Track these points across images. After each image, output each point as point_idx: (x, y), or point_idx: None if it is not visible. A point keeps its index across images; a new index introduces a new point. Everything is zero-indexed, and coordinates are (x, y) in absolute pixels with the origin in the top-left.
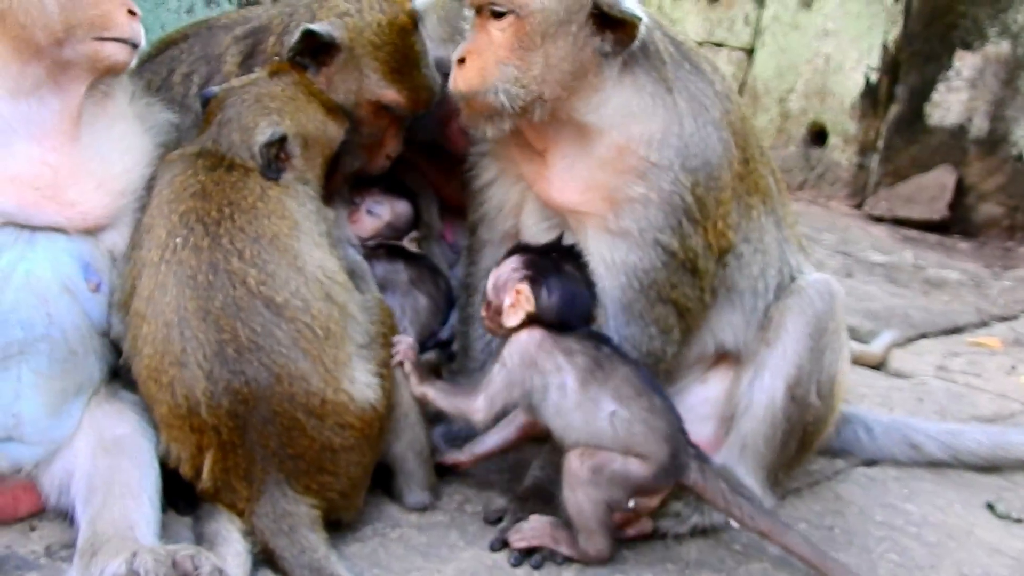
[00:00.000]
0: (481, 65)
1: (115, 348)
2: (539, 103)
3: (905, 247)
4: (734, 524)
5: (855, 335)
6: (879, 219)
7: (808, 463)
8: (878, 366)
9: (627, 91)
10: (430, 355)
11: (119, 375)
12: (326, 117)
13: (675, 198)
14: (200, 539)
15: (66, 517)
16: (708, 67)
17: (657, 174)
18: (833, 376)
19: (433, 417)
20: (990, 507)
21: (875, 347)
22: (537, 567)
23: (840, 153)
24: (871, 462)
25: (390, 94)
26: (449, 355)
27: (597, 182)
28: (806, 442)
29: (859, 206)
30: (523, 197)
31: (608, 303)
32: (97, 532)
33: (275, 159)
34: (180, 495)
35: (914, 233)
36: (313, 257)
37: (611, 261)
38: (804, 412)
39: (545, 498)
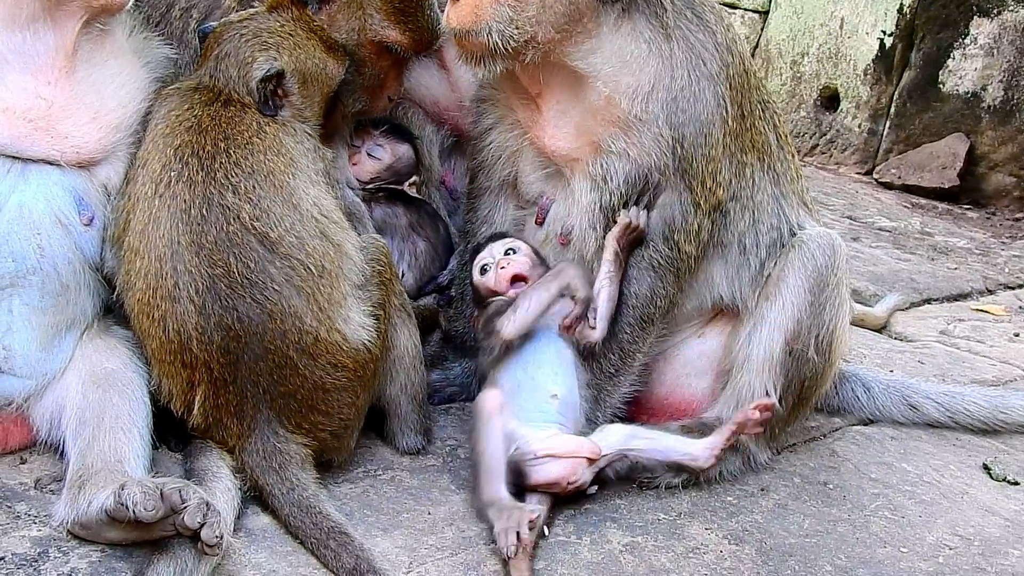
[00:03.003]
0: (475, 3)
1: (108, 283)
2: (532, 45)
3: (913, 214)
4: None
5: (859, 297)
6: (888, 186)
7: (805, 419)
8: (880, 329)
9: (622, 39)
10: (427, 300)
11: (112, 311)
12: (326, 55)
13: (653, 155)
14: (190, 475)
15: (56, 450)
16: (712, 16)
17: (639, 129)
18: (832, 331)
19: (429, 361)
20: (986, 469)
21: (878, 310)
22: None
23: (851, 118)
24: (869, 421)
25: (393, 34)
26: (447, 300)
27: (587, 130)
28: (803, 398)
29: (869, 172)
30: (520, 144)
31: (594, 253)
32: (86, 465)
33: (272, 95)
34: (171, 431)
35: (923, 200)
36: (309, 195)
37: (589, 208)
38: (802, 367)
39: None
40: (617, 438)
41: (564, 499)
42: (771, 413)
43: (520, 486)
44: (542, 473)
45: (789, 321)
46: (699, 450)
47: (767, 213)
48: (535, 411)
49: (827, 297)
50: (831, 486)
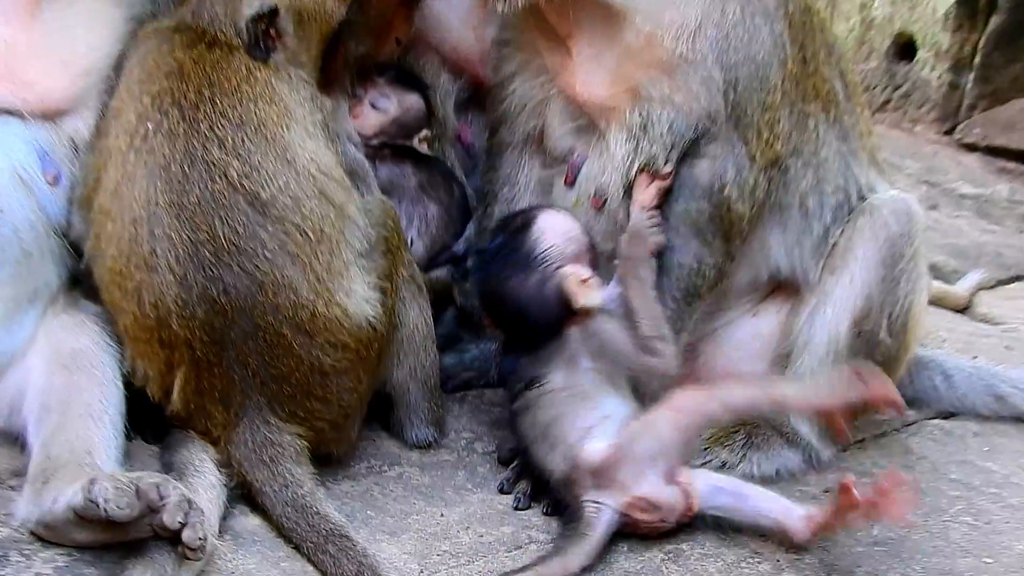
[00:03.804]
0: None
1: (75, 251)
2: None
3: (1000, 179)
4: None
5: (938, 274)
6: (971, 147)
7: (875, 412)
8: (962, 309)
9: None
10: (440, 273)
11: (80, 282)
12: None
13: (702, 101)
14: (169, 469)
15: (16, 441)
16: None
17: (685, 71)
18: (908, 310)
19: (442, 343)
20: None
21: (960, 288)
22: (549, 512)
23: (930, 70)
24: (948, 414)
25: None
26: (463, 272)
27: (624, 75)
28: None
29: (949, 132)
30: (548, 93)
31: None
32: (51, 457)
33: (264, 35)
34: (147, 420)
35: (1011, 164)
36: (306, 149)
37: (626, 163)
38: (872, 351)
39: None
40: (701, 489)
41: None
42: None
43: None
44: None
45: (858, 298)
46: (795, 520)
47: (833, 172)
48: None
49: (902, 271)
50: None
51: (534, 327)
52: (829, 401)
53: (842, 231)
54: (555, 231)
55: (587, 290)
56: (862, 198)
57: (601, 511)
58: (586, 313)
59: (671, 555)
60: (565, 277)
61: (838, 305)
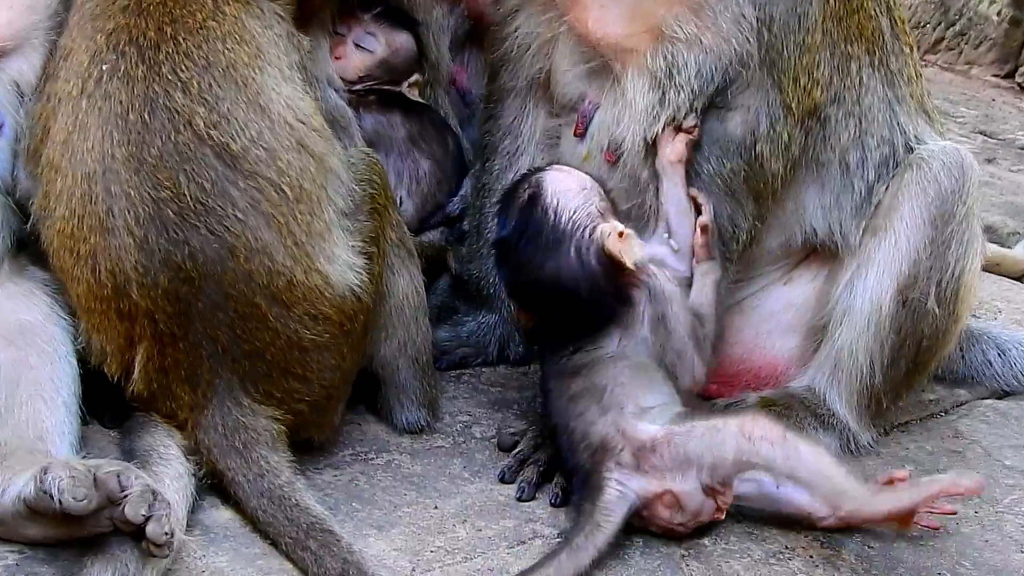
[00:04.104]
0: None
1: (21, 210)
2: None
3: None
4: None
5: (994, 236)
6: None
7: (921, 390)
8: (1021, 276)
9: None
10: (433, 236)
11: (26, 246)
12: None
13: (733, 42)
14: (130, 457)
15: None
16: None
17: (715, 7)
18: (959, 277)
19: (435, 314)
20: None
21: (1019, 252)
22: (557, 503)
23: (988, 4)
24: (1004, 393)
25: None
26: (458, 235)
27: (645, 11)
28: (920, 362)
29: (1011, 75)
30: (556, 31)
31: (652, 172)
32: None
33: None
34: (105, 402)
35: None
36: (281, 94)
37: (647, 113)
38: (919, 322)
39: None
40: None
41: None
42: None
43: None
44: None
45: (903, 263)
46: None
47: (877, 122)
48: None
49: (952, 232)
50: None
51: (591, 307)
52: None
53: (886, 188)
54: (570, 191)
55: (629, 244)
56: (909, 150)
57: (624, 494)
58: (639, 270)
59: (692, 551)
60: (604, 238)
61: (881, 271)
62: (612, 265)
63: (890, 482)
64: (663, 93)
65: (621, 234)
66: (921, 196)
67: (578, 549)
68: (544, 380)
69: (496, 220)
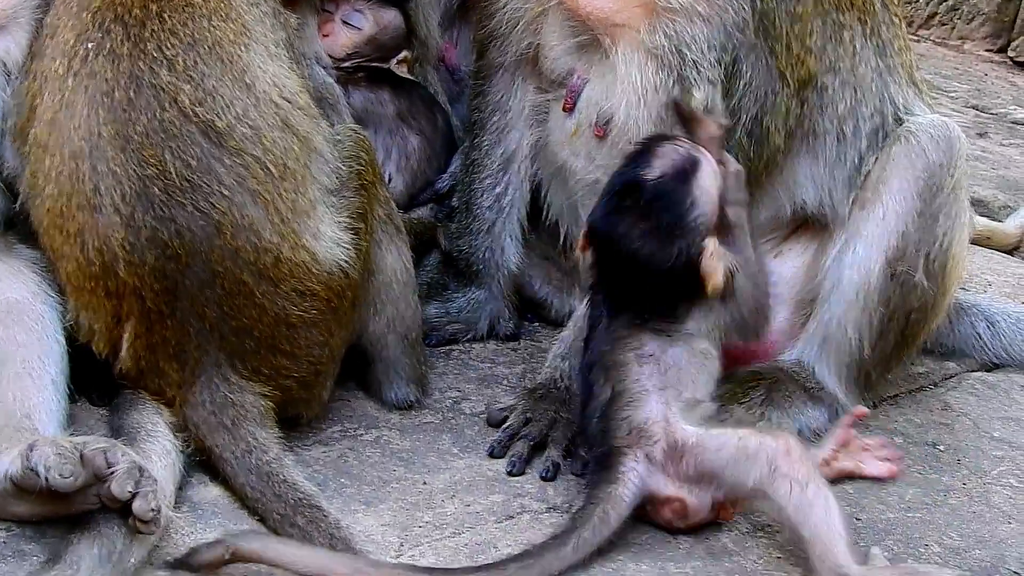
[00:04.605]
0: None
1: (9, 189)
2: None
3: None
4: None
5: (985, 209)
6: None
7: (911, 363)
8: (1012, 250)
9: None
10: (422, 212)
11: (15, 225)
12: None
13: (729, 11)
14: (118, 434)
15: None
16: None
17: None
18: (947, 250)
19: (425, 291)
20: None
21: (1010, 225)
22: (548, 477)
23: None
24: (993, 366)
25: None
26: (448, 212)
27: None
28: (909, 335)
29: (1003, 49)
30: (545, 6)
31: None
32: None
33: None
34: (93, 380)
35: None
36: (267, 72)
37: (643, 88)
38: (908, 295)
39: (564, 397)
40: None
41: None
42: None
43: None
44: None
45: (891, 235)
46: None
47: (870, 92)
48: None
49: (941, 205)
50: (942, 447)
51: (662, 291)
52: None
53: (876, 160)
54: (711, 193)
55: (719, 265)
56: (899, 121)
57: (640, 491)
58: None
59: None
60: (706, 252)
61: (870, 243)
62: (693, 278)
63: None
64: (657, 67)
65: (717, 253)
66: (909, 169)
67: (585, 543)
68: (597, 329)
69: (636, 159)
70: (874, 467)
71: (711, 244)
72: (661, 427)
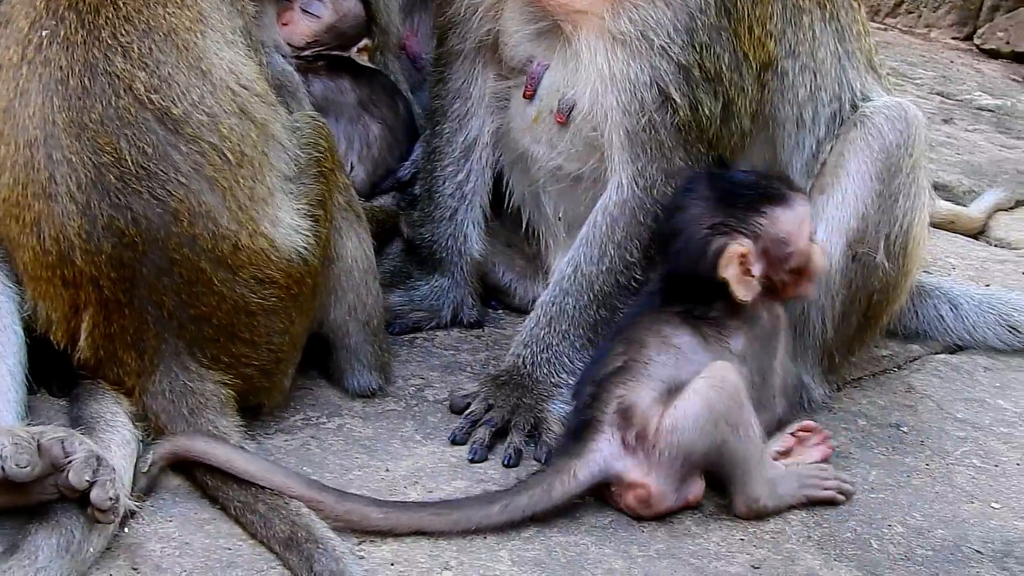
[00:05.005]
0: None
1: None
2: None
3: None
4: None
5: (950, 194)
6: (993, 53)
7: (874, 345)
8: (976, 234)
9: None
10: (385, 200)
11: None
12: None
13: None
14: (77, 424)
15: None
16: None
17: None
18: (907, 231)
19: (389, 279)
20: None
21: (974, 210)
22: (510, 464)
23: None
24: (956, 348)
25: None
26: (410, 199)
27: None
28: (872, 317)
29: (969, 37)
30: None
31: (612, 131)
32: None
33: None
34: (52, 370)
35: None
36: (223, 59)
37: (610, 75)
38: (869, 277)
39: (527, 383)
40: None
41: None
42: None
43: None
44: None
45: (851, 218)
46: None
47: (829, 77)
48: None
49: (899, 186)
50: (905, 429)
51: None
52: None
53: (832, 145)
54: (793, 229)
55: (747, 285)
56: (855, 107)
57: (604, 472)
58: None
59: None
60: (731, 261)
61: (830, 227)
62: (715, 277)
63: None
64: (624, 53)
65: (749, 272)
66: (867, 151)
67: (515, 508)
68: (648, 305)
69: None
70: (814, 454)
71: (739, 247)
72: (645, 417)
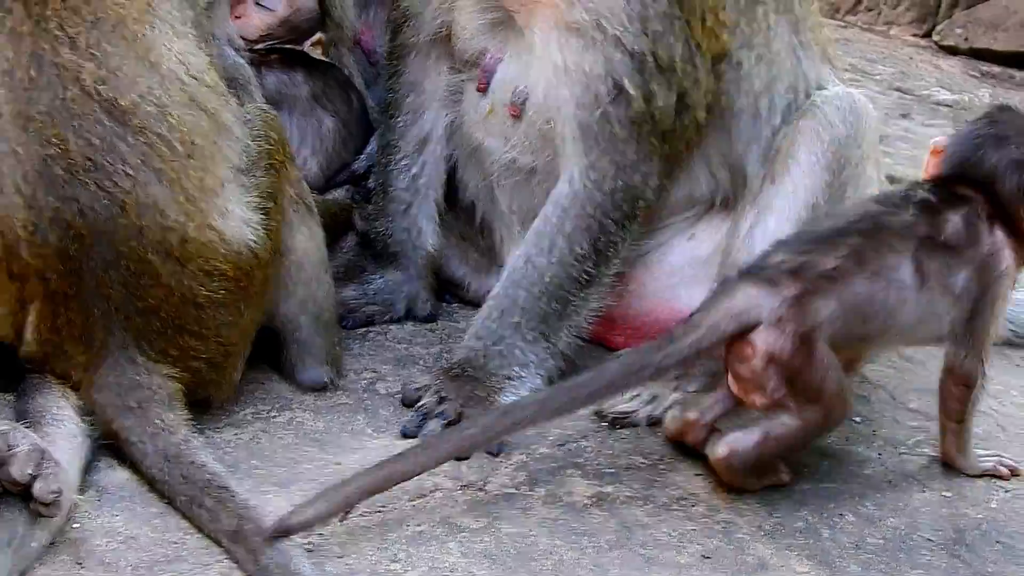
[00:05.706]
0: None
1: None
2: None
3: (982, 84)
4: None
5: None
6: (952, 50)
7: None
8: None
9: None
10: (339, 194)
11: None
12: None
13: None
14: (22, 418)
15: None
16: None
17: None
18: None
19: (342, 273)
20: None
21: None
22: (462, 457)
23: None
24: None
25: None
26: (364, 193)
27: None
28: None
29: (928, 34)
30: None
31: (565, 124)
32: None
33: None
34: None
35: (995, 68)
36: (172, 50)
37: (563, 67)
38: None
39: (479, 376)
40: None
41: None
42: None
43: None
44: None
45: (801, 209)
46: None
47: (785, 68)
48: None
49: (849, 177)
50: (858, 419)
51: None
52: None
53: (784, 135)
54: None
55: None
56: (809, 97)
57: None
58: None
59: (594, 499)
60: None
61: (781, 217)
62: None
63: None
64: (580, 44)
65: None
66: (816, 142)
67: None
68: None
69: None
70: None
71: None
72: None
